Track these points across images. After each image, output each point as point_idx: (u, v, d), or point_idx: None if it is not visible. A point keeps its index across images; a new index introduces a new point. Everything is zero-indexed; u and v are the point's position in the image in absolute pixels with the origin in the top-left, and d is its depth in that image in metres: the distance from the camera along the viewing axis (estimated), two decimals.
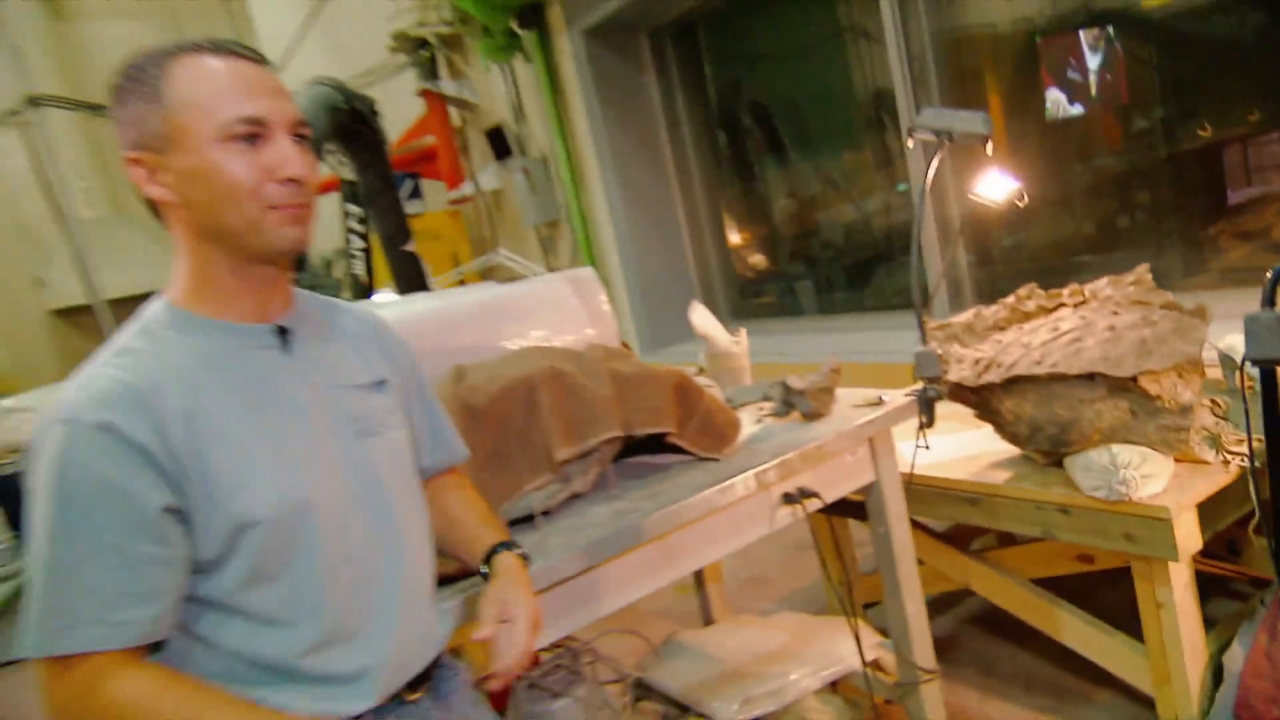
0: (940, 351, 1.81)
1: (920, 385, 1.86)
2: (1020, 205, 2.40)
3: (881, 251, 3.98)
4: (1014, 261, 3.44)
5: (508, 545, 1.22)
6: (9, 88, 9.41)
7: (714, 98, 4.40)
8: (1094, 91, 3.02)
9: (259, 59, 0.97)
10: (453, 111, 4.94)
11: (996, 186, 2.33)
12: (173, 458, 0.89)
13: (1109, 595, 2.20)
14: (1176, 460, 1.73)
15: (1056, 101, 3.12)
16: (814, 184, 4.29)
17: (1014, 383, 1.82)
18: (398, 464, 1.11)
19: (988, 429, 2.16)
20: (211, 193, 0.93)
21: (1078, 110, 3.10)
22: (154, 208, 0.98)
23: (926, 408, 1.78)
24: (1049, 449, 1.86)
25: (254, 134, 0.92)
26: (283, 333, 1.03)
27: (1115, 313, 1.85)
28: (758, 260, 4.66)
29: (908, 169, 3.44)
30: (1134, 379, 1.66)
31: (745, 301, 4.53)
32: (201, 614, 0.95)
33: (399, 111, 4.88)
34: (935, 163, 1.95)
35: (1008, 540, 2.31)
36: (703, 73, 4.36)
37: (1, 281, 10.21)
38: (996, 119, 3.30)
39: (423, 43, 4.78)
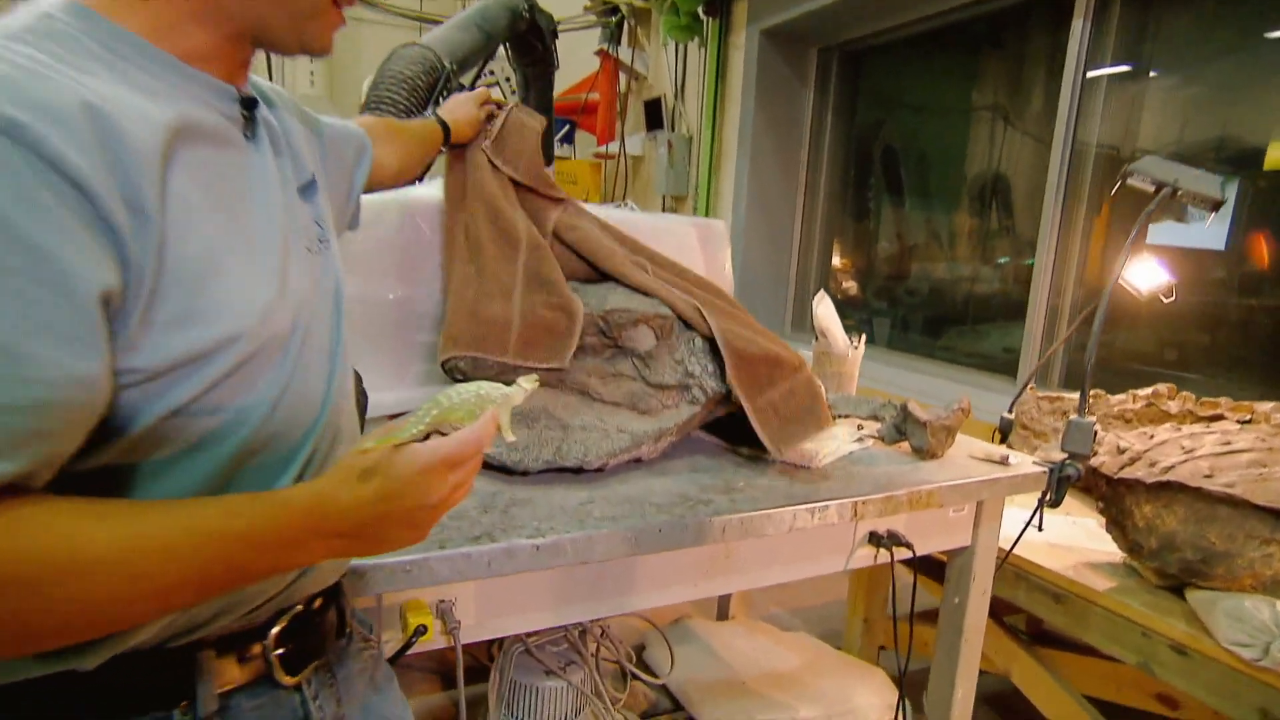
0: (1099, 429, 1.25)
1: (1058, 458, 1.30)
2: (1165, 301, 1.80)
3: (959, 314, 3.42)
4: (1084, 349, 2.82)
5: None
6: None
7: (857, 128, 3.83)
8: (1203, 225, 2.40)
9: None
10: (620, 77, 4.43)
11: (1148, 276, 1.74)
12: (131, 212, 0.44)
13: None
14: None
15: (1167, 227, 2.50)
16: (918, 235, 3.73)
17: (1164, 488, 1.25)
18: (340, 293, 0.67)
19: (1087, 520, 1.59)
20: None
21: (1184, 242, 2.48)
22: None
23: (1058, 485, 1.22)
24: (1174, 572, 1.29)
25: None
26: (249, 108, 0.57)
27: None
28: (849, 286, 4.11)
29: (1028, 243, 2.82)
30: None
31: None
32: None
33: (574, 65, 4.40)
34: (1145, 216, 1.37)
35: (1036, 627, 1.75)
36: (855, 102, 3.78)
37: None
38: (1102, 235, 2.69)
39: (614, 9, 4.27)
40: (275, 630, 0.59)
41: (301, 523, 0.49)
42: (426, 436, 0.55)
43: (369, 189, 0.98)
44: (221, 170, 0.53)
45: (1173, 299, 1.77)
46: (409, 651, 0.84)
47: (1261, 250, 2.31)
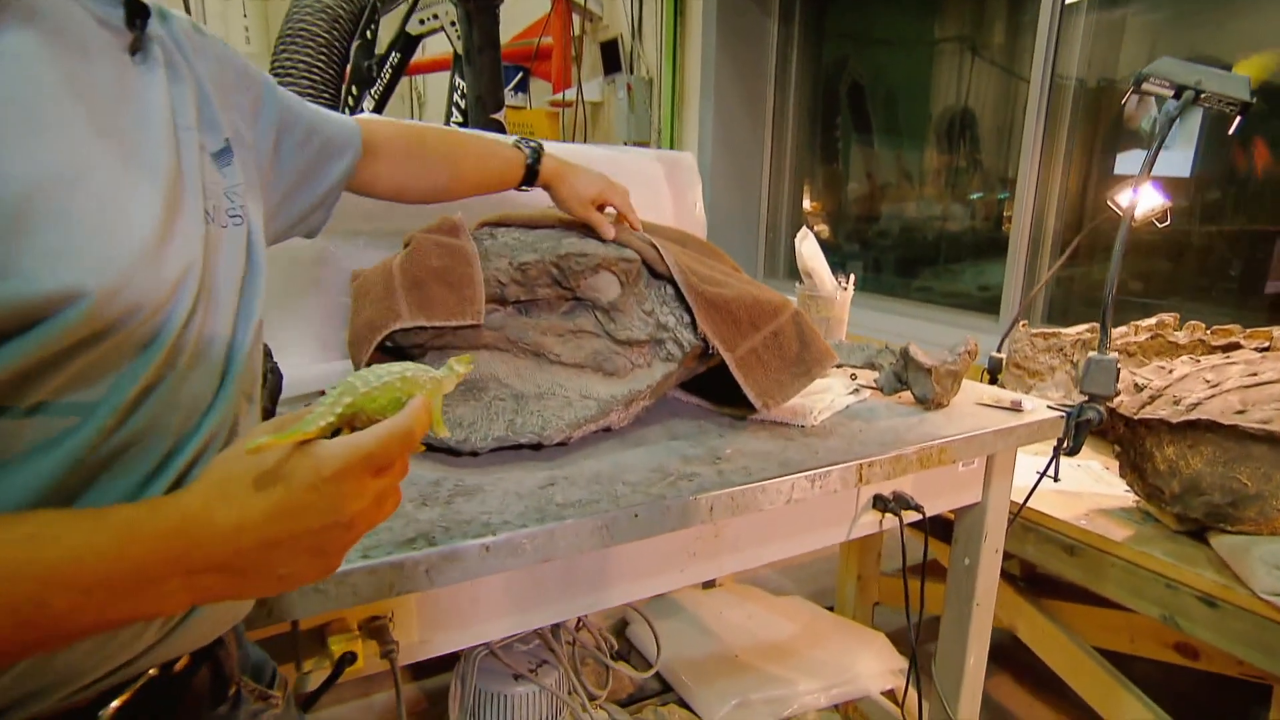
0: (1120, 367, 1.11)
1: (1056, 398, 1.16)
2: (1159, 225, 1.67)
3: (932, 254, 3.30)
4: (1062, 284, 2.71)
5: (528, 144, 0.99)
6: None
7: (824, 65, 3.64)
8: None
9: None
10: (574, 19, 4.15)
11: (1141, 200, 1.60)
12: None
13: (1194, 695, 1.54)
14: None
15: (1134, 156, 2.38)
16: (888, 174, 3.59)
17: (1190, 427, 1.13)
18: (257, 284, 0.50)
19: (1091, 462, 1.48)
20: None
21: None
22: None
23: (1077, 431, 1.09)
24: (1198, 517, 1.18)
25: None
26: (137, 15, 0.40)
27: None
28: (820, 229, 3.96)
29: (997, 179, 2.67)
30: None
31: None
32: None
33: (524, 8, 4.12)
34: (1168, 123, 1.22)
35: (1031, 571, 1.65)
36: (821, 36, 3.58)
37: None
38: (1079, 165, 2.55)
39: None
40: (111, 708, 0.42)
41: (157, 554, 0.33)
42: (336, 432, 0.40)
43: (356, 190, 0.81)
44: (88, 81, 0.37)
45: (1167, 224, 1.64)
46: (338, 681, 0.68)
47: (1228, 173, 2.19)
